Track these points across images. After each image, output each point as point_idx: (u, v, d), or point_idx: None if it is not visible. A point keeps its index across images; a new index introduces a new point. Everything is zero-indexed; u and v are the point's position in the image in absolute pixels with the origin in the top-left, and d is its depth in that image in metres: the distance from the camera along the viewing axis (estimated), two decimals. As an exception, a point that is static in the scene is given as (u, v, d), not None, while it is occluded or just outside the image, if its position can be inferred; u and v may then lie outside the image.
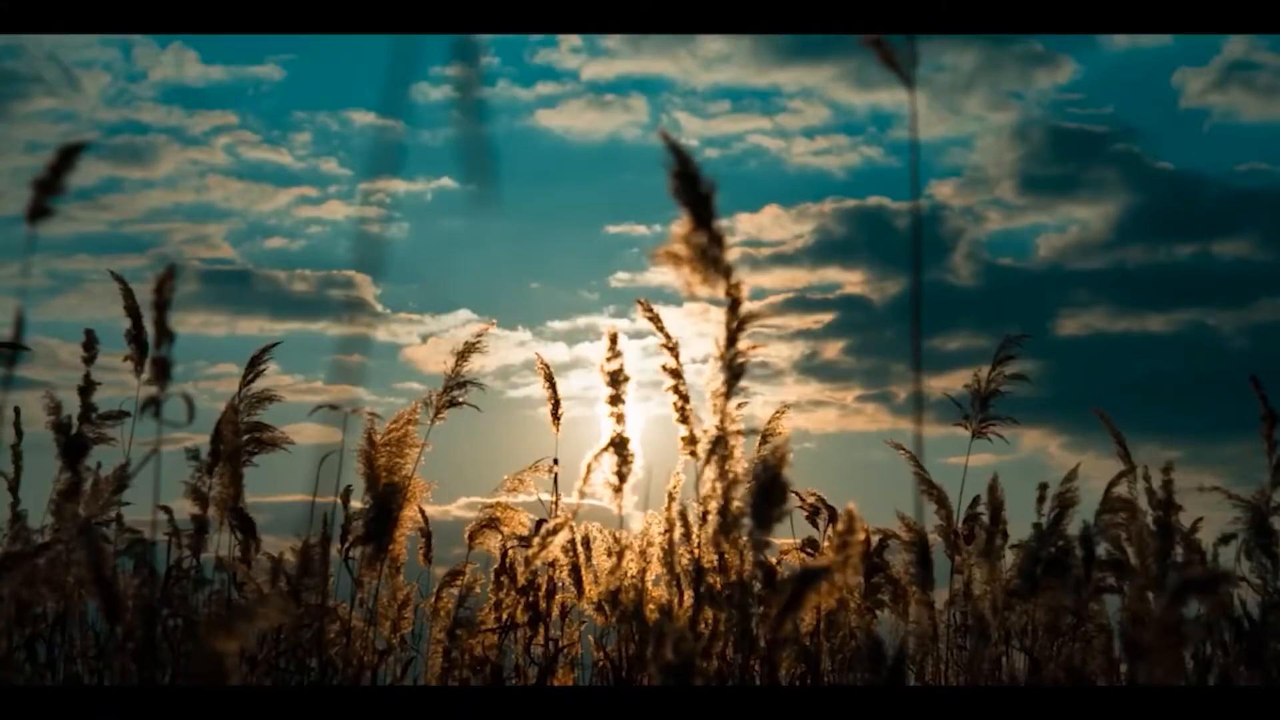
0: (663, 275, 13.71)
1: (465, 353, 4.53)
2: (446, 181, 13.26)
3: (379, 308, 12.63)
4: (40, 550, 3.37)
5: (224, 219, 14.14)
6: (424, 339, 12.41)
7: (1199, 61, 13.52)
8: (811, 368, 12.10)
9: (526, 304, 13.06)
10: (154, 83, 13.68)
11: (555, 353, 11.64)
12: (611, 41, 13.40)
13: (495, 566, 5.60)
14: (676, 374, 3.63)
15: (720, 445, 2.88)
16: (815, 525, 6.31)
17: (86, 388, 3.25)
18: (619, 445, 3.27)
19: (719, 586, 3.70)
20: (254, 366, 4.37)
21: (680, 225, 2.64)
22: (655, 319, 3.78)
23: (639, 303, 3.85)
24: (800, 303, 12.63)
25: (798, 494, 6.07)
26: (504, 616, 5.51)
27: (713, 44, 13.32)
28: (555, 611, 5.33)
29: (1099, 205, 13.77)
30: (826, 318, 12.40)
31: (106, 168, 13.20)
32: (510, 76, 13.21)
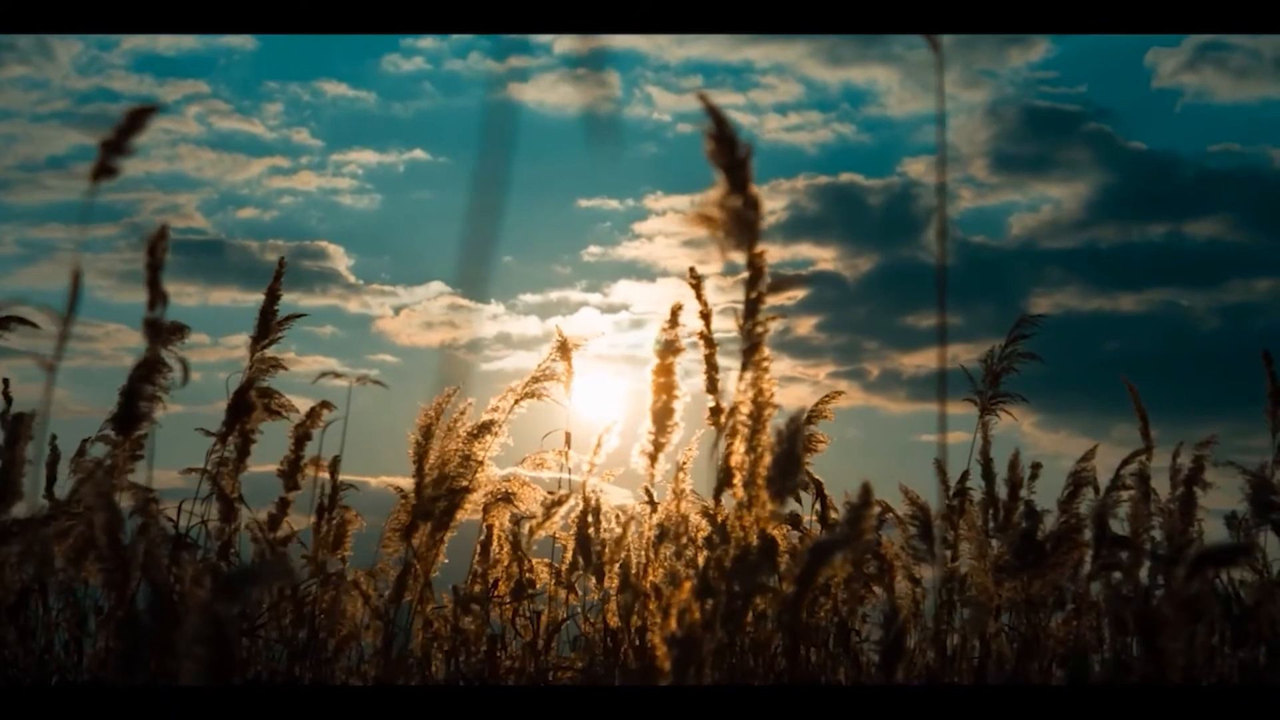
0: (635, 250, 13.62)
1: (564, 348, 4.54)
2: (419, 153, 13.18)
3: (352, 279, 12.56)
4: (48, 519, 3.33)
5: (196, 189, 14.03)
6: (396, 311, 12.37)
7: (1171, 42, 13.59)
8: (784, 344, 12.10)
9: (499, 277, 13.01)
10: (125, 51, 13.53)
11: (528, 326, 11.62)
12: (585, 14, 13.35)
13: (481, 539, 5.59)
14: (710, 342, 3.61)
15: (747, 417, 2.85)
16: (798, 500, 6.34)
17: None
18: (661, 415, 3.24)
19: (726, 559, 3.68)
20: (270, 334, 4.33)
21: (715, 189, 2.59)
22: (697, 285, 3.70)
23: (690, 270, 3.77)
24: (772, 279, 12.64)
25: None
26: (490, 587, 5.50)
27: (687, 18, 13.28)
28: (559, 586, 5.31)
29: (1071, 184, 13.84)
30: (799, 294, 12.42)
31: (78, 136, 13.08)
32: (482, 49, 13.13)
